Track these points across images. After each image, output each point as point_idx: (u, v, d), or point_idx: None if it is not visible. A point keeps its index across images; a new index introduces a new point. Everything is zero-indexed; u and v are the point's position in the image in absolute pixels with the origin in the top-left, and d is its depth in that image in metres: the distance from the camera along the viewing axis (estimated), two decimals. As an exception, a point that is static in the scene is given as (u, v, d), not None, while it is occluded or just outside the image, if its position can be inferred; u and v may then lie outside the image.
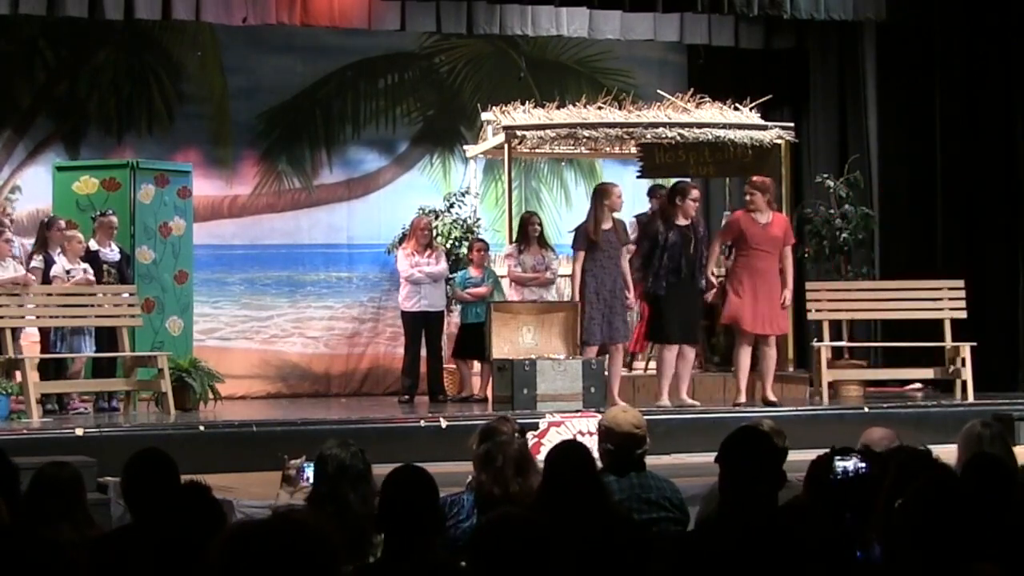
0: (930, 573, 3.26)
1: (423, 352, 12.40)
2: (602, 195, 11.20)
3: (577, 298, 11.15)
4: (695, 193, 11.25)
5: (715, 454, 4.72)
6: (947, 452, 5.63)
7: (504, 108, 12.74)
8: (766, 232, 11.05)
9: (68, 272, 10.90)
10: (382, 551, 4.31)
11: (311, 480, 5.51)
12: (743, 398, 11.09)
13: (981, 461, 4.52)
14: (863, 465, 4.72)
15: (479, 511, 5.01)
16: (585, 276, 11.04)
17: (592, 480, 4.75)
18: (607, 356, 11.12)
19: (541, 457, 5.45)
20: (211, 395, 11.33)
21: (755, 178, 11.48)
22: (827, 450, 4.61)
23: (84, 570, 3.76)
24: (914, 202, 13.27)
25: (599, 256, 11.07)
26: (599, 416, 6.04)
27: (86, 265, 11.03)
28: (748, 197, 11.30)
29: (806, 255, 13.00)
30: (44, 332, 11.04)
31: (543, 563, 3.05)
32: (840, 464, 4.67)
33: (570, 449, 4.94)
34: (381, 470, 5.76)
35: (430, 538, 4.11)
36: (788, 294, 11.17)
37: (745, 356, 11.10)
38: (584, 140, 12.73)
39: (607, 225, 11.08)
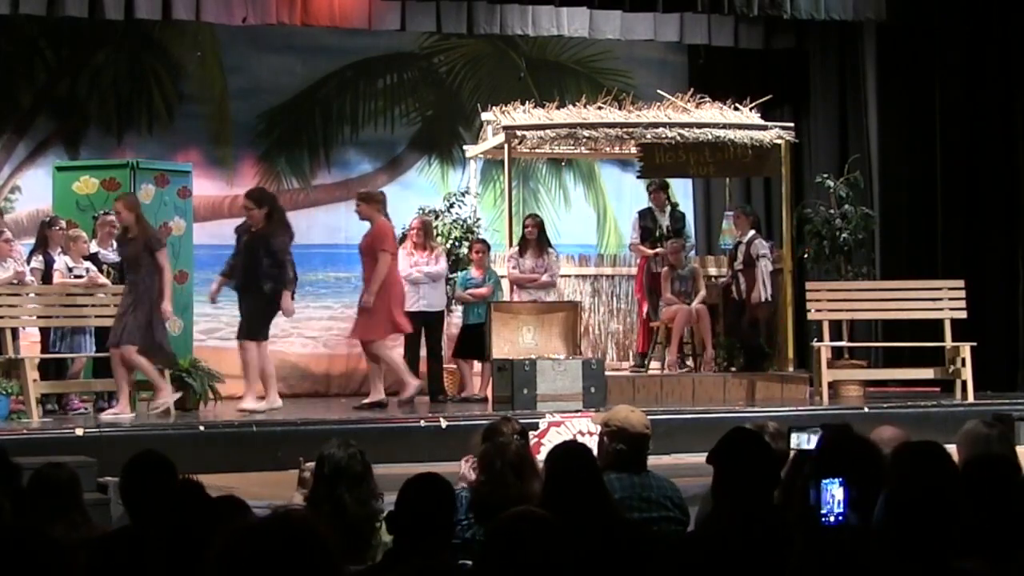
0: (924, 569, 3.26)
1: (422, 352, 12.38)
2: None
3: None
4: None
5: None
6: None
7: (504, 108, 12.73)
8: None
9: (71, 270, 10.88)
10: (389, 551, 4.31)
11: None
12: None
13: (984, 461, 4.51)
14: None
15: (477, 513, 5.00)
16: None
17: (596, 480, 4.76)
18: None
19: (541, 457, 5.45)
20: (211, 395, 11.33)
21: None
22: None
23: (82, 571, 3.75)
24: (914, 202, 13.27)
25: None
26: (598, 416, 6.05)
27: (89, 264, 11.02)
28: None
29: (806, 255, 13.00)
30: (44, 332, 11.02)
31: (559, 563, 3.04)
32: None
33: (572, 450, 4.95)
34: (382, 470, 5.77)
35: (441, 542, 4.11)
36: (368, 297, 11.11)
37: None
38: (584, 140, 12.73)
39: None
